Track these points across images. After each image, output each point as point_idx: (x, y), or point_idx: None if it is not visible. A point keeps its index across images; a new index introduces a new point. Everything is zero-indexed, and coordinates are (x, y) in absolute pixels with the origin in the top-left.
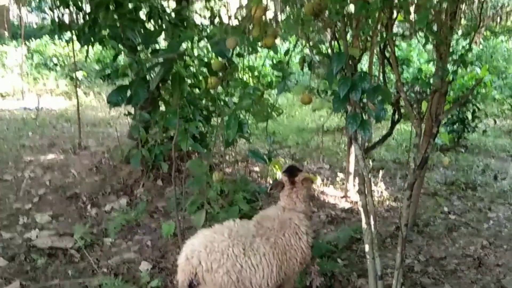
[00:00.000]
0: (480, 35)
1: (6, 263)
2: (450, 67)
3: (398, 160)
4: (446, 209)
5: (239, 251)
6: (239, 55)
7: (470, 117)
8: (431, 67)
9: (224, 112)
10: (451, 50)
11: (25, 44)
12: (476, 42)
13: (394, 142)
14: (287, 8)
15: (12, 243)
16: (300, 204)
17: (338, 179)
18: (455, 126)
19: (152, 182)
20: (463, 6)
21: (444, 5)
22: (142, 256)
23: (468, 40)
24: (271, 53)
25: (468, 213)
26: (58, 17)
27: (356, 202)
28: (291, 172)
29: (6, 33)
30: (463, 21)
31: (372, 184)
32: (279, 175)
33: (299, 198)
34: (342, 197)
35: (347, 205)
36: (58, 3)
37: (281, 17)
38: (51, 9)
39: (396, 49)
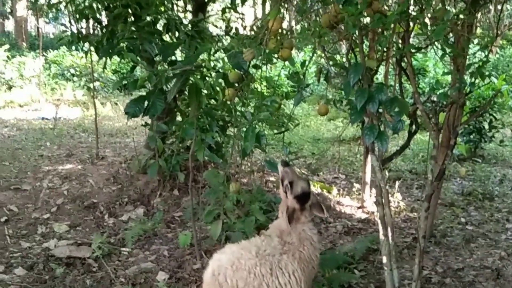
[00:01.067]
0: (497, 44)
1: (25, 272)
2: (467, 78)
3: (415, 170)
4: (463, 220)
5: (266, 270)
6: (256, 66)
7: (487, 127)
8: (447, 77)
9: (240, 123)
10: (468, 61)
11: (43, 54)
12: (492, 51)
13: (411, 152)
14: (303, 18)
15: (30, 253)
16: (308, 218)
17: (354, 189)
18: (471, 136)
19: (168, 192)
20: (479, 15)
21: (461, 16)
22: (159, 266)
23: (485, 52)
24: (287, 63)
25: (485, 224)
26: (77, 29)
27: (373, 213)
28: (304, 200)
29: (24, 44)
30: (478, 30)
31: (389, 194)
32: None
33: (307, 217)
34: (358, 208)
35: (363, 216)
36: (77, 16)
37: (296, 27)
38: (70, 22)
39: (412, 59)
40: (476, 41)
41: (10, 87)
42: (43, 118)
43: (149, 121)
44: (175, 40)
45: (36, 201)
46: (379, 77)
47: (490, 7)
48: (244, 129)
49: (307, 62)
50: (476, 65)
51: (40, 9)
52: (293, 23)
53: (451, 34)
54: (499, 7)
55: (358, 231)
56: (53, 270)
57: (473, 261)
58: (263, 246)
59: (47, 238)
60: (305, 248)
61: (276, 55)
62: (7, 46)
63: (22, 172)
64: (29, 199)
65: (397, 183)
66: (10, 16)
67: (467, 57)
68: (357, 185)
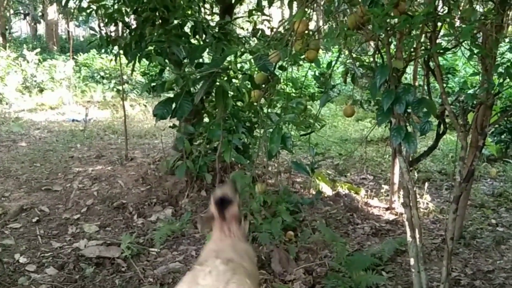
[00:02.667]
0: None
1: (56, 271)
2: (496, 79)
3: (444, 171)
4: (493, 221)
5: None
6: (281, 67)
7: None
8: (476, 78)
9: (266, 124)
10: (497, 61)
11: (73, 57)
12: None
13: (440, 152)
14: (330, 19)
15: (61, 252)
16: (233, 232)
17: (382, 190)
18: (502, 136)
19: (196, 192)
20: (511, 13)
21: (490, 16)
22: (187, 266)
23: None
24: (313, 64)
25: None
26: (106, 33)
27: (401, 214)
28: (222, 205)
29: (55, 47)
30: (510, 28)
31: (417, 196)
32: (322, 186)
33: (231, 230)
34: (386, 209)
35: (391, 217)
36: (106, 20)
37: (323, 27)
38: (99, 26)
39: (440, 58)
40: (507, 39)
41: (41, 90)
42: (73, 120)
43: (177, 123)
44: (202, 42)
45: (67, 201)
46: (408, 77)
47: None
48: (271, 130)
49: (333, 63)
50: (505, 66)
51: (70, 13)
52: (320, 23)
53: (480, 34)
54: None
55: (386, 233)
56: (83, 269)
57: (503, 263)
58: (221, 275)
59: (77, 238)
60: (245, 259)
61: (302, 57)
62: (38, 50)
63: (53, 173)
64: (59, 200)
65: (426, 184)
66: (41, 20)
67: (496, 57)
68: (385, 186)
